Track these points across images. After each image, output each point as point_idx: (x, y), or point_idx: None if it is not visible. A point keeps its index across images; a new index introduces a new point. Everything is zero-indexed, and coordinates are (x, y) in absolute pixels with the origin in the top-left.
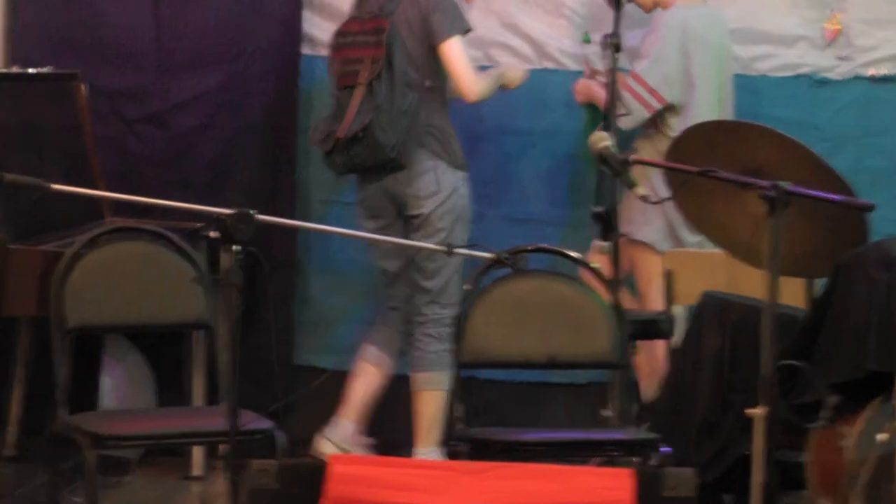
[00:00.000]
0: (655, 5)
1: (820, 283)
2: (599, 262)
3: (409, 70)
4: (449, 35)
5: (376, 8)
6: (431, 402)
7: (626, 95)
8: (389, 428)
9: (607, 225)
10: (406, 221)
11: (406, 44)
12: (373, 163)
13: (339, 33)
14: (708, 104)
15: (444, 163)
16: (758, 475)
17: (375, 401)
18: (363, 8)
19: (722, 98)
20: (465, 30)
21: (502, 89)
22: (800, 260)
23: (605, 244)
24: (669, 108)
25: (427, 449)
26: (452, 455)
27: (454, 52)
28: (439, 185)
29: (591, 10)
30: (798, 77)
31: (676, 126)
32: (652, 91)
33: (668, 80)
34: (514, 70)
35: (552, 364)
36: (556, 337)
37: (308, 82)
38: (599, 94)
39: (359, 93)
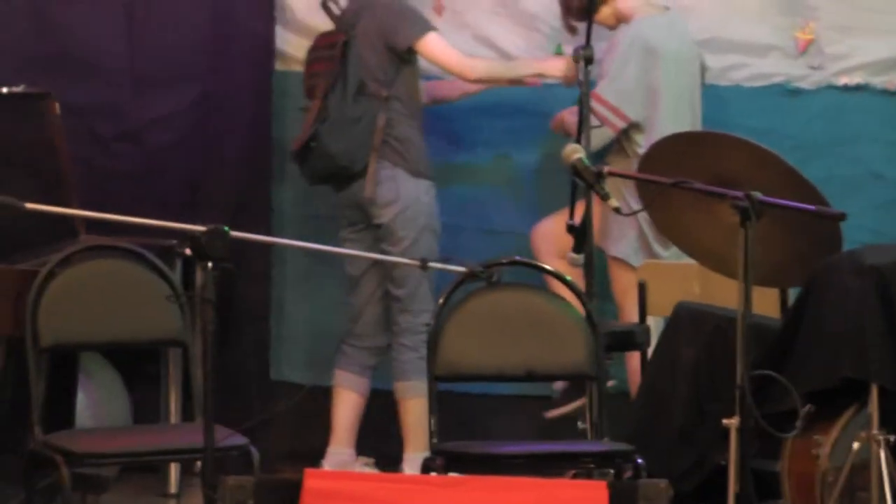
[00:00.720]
0: (619, 22)
1: (794, 293)
2: (572, 274)
3: (367, 81)
4: (420, 34)
5: (339, 23)
6: (412, 409)
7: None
8: (384, 442)
9: (581, 237)
10: (375, 230)
11: (364, 55)
12: (329, 172)
13: (310, 48)
14: (673, 116)
15: (402, 171)
16: (733, 485)
17: (361, 420)
18: (335, 24)
19: (690, 107)
20: (432, 28)
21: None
22: (773, 269)
23: (579, 256)
24: (634, 125)
25: (414, 454)
26: (428, 469)
27: (433, 45)
28: (398, 194)
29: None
30: (770, 87)
31: (642, 142)
32: (614, 110)
33: (628, 97)
34: (557, 61)
35: (528, 377)
36: (531, 349)
37: (281, 98)
38: (572, 125)
39: (315, 105)
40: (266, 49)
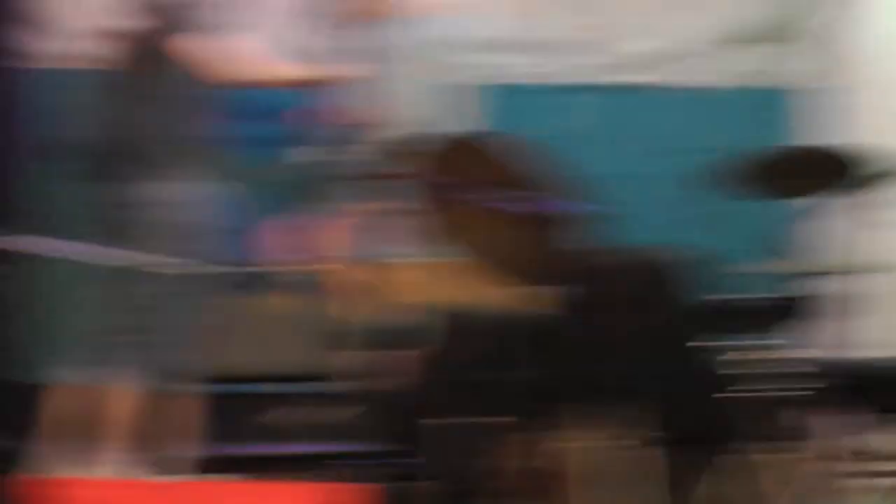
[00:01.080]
0: (374, 19)
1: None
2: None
3: None
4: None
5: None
6: (177, 409)
7: None
8: (154, 444)
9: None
10: None
11: None
12: None
13: None
14: (435, 118)
15: None
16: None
17: (138, 420)
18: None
19: (444, 108)
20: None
21: None
22: (521, 267)
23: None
24: (390, 126)
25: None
26: (193, 471)
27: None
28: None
29: None
30: (551, 84)
31: (402, 144)
32: (368, 111)
33: (384, 99)
34: (298, 65)
35: (267, 377)
36: (263, 350)
37: (39, 96)
38: (338, 124)
39: None
40: (10, 49)
